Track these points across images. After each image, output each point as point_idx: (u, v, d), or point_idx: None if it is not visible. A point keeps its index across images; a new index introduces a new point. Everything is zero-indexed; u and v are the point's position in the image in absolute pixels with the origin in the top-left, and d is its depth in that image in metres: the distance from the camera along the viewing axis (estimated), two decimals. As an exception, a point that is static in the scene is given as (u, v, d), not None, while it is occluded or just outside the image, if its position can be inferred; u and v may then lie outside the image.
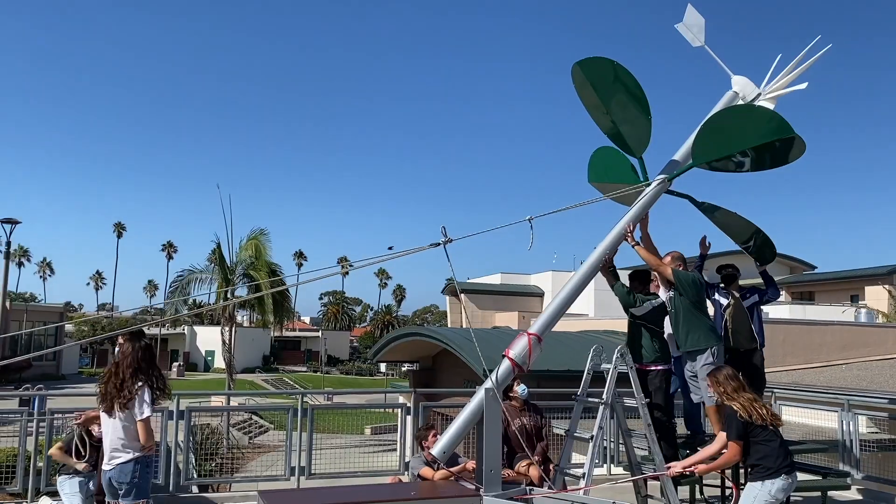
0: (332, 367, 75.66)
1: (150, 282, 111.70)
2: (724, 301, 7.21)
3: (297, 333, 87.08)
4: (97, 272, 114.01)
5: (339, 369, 75.88)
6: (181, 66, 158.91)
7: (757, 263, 7.44)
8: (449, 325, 48.28)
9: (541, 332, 5.59)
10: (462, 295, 45.50)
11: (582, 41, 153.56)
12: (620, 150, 6.61)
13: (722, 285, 7.33)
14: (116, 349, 5.50)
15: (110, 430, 5.21)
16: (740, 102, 6.69)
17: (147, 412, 5.13)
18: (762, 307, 7.47)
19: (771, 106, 6.55)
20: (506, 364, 5.52)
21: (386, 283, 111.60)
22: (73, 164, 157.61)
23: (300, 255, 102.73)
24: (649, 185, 6.23)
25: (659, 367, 6.77)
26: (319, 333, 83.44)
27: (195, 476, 9.87)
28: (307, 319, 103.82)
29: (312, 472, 8.29)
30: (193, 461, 12.97)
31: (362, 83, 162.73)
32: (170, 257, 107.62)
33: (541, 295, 45.44)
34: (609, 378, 6.24)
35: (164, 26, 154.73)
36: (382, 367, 63.28)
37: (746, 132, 5.82)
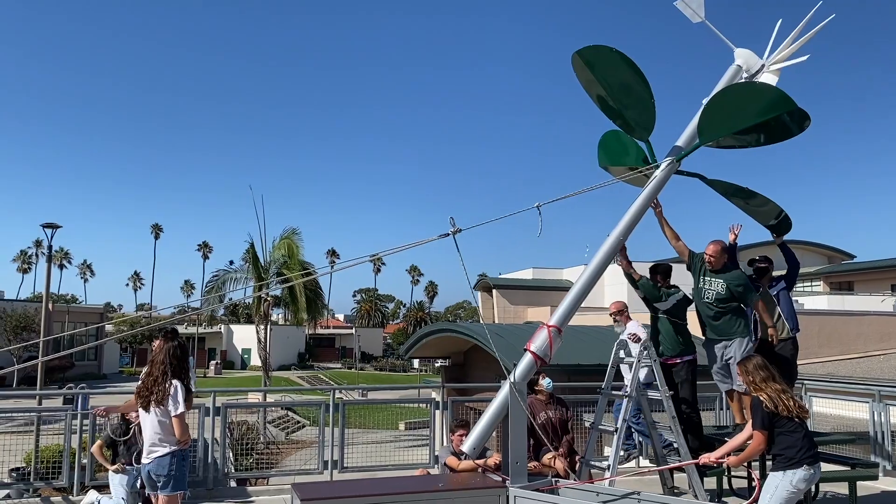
0: (365, 363, 76.27)
1: (186, 282, 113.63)
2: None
3: (332, 331, 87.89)
4: (135, 273, 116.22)
5: (372, 366, 76.46)
6: (217, 72, 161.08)
7: (774, 235, 7.39)
8: (482, 321, 48.33)
9: (560, 323, 5.64)
10: (494, 291, 45.54)
11: (583, 24, 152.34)
12: (627, 134, 6.62)
13: (756, 278, 7.36)
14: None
15: (148, 425, 5.48)
16: (744, 75, 6.65)
17: (182, 408, 5.39)
18: (791, 290, 7.45)
19: (775, 77, 6.51)
20: (528, 358, 5.60)
21: (418, 280, 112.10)
22: (112, 168, 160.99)
23: (332, 254, 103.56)
24: (658, 166, 6.20)
25: (684, 359, 6.81)
26: (353, 330, 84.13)
27: (233, 470, 10.14)
28: (341, 317, 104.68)
29: (345, 465, 8.48)
30: (231, 457, 13.30)
31: (392, 87, 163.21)
32: (205, 257, 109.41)
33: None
34: (633, 371, 6.31)
35: (196, 29, 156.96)
36: (416, 363, 63.64)
37: (748, 109, 5.79)
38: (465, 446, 5.57)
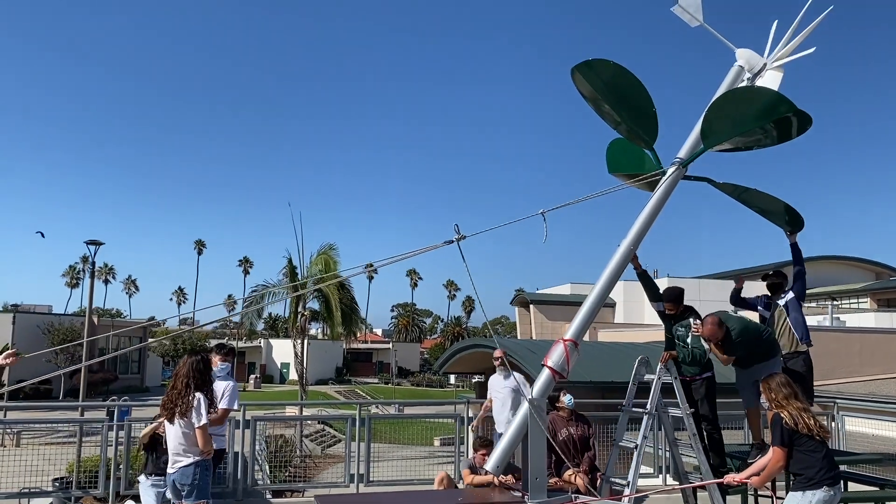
0: (402, 378, 76.43)
1: (229, 296, 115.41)
2: (766, 312, 7.21)
3: (369, 345, 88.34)
4: (179, 288, 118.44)
5: (409, 381, 76.59)
6: (259, 91, 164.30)
7: (787, 232, 7.26)
8: (518, 337, 48.14)
9: (576, 337, 5.68)
10: (532, 306, 45.35)
11: (583, 32, 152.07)
12: (632, 143, 6.63)
13: (768, 294, 7.30)
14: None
15: (172, 436, 5.69)
16: (747, 75, 6.61)
17: (204, 419, 5.59)
18: (803, 299, 7.34)
19: (779, 74, 6.46)
20: (546, 373, 5.65)
21: (455, 295, 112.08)
22: (158, 186, 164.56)
23: (371, 269, 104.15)
24: (665, 172, 6.18)
25: (702, 376, 6.79)
26: (390, 345, 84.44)
27: (268, 482, 10.34)
28: (379, 331, 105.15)
29: (371, 479, 8.60)
30: (267, 470, 13.52)
31: (422, 107, 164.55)
32: (246, 272, 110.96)
33: (612, 305, 44.77)
34: (653, 388, 6.32)
35: (238, 49, 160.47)
36: (452, 378, 63.55)
37: (747, 113, 5.77)
38: (489, 464, 5.60)
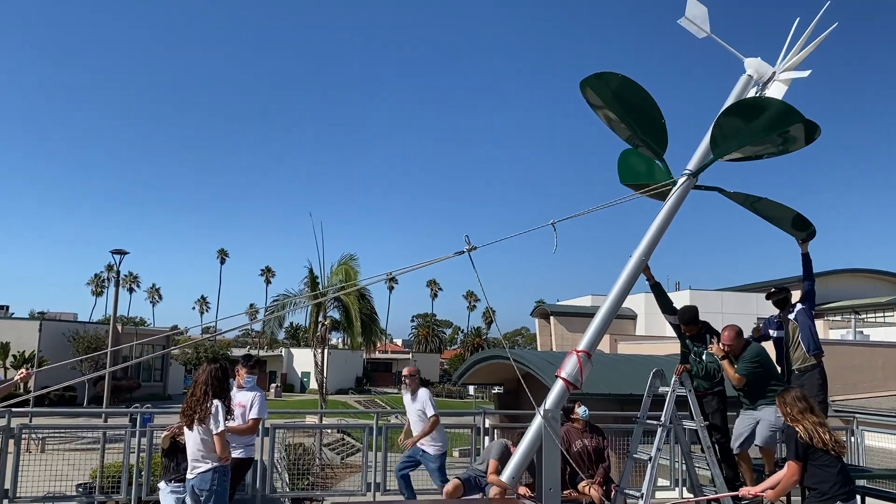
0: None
1: (251, 305, 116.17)
2: (778, 333, 7.20)
3: (389, 355, 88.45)
4: (202, 297, 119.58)
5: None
6: (280, 103, 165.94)
7: (799, 242, 7.21)
8: (539, 348, 48.00)
9: (589, 348, 5.71)
10: (552, 318, 45.23)
11: (591, 47, 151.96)
12: (642, 154, 6.66)
13: (778, 313, 7.30)
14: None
15: (191, 443, 5.82)
16: (756, 84, 6.62)
17: (222, 426, 5.71)
18: (810, 310, 7.28)
19: (784, 86, 6.46)
20: (559, 384, 5.68)
21: (474, 306, 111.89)
22: (181, 196, 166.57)
23: (392, 279, 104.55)
24: (675, 182, 6.18)
25: (714, 390, 6.81)
26: (410, 355, 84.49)
27: (287, 490, 10.46)
28: (399, 342, 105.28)
29: (388, 488, 8.67)
30: (287, 478, 13.65)
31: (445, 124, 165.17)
32: (268, 282, 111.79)
33: (633, 317, 44.49)
34: (667, 401, 6.35)
35: (258, 62, 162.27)
36: (471, 389, 63.42)
37: (755, 123, 5.78)
38: (504, 475, 5.65)
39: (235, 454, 6.82)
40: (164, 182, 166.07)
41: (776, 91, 6.50)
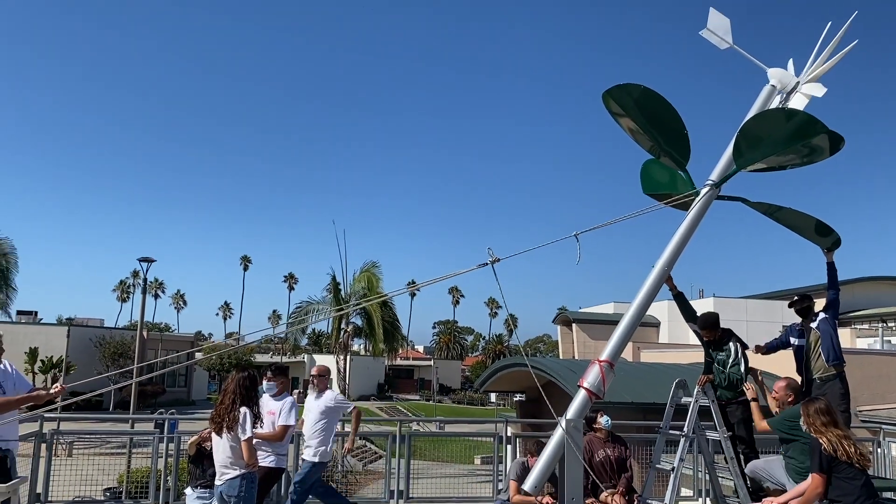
0: (443, 395, 76.37)
1: (273, 311, 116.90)
2: (799, 341, 7.16)
3: (411, 362, 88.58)
4: (225, 303, 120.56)
5: (450, 398, 76.51)
6: (303, 111, 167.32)
7: (825, 251, 7.15)
8: (560, 355, 47.78)
9: (611, 358, 5.72)
10: (574, 325, 45.02)
11: (614, 58, 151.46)
12: (665, 165, 6.65)
13: (801, 321, 7.25)
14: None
15: (219, 449, 5.92)
16: (780, 95, 6.58)
17: (249, 433, 5.82)
18: (833, 319, 7.19)
19: (806, 99, 6.42)
20: (581, 394, 5.70)
21: (496, 313, 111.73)
22: (205, 203, 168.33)
23: (412, 285, 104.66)
24: (698, 193, 6.16)
25: (738, 399, 6.78)
26: (431, 362, 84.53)
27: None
28: (421, 348, 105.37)
29: (411, 496, 8.73)
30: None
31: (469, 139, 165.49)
32: (291, 288, 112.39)
33: (657, 325, 44.15)
34: (690, 411, 6.34)
35: (281, 71, 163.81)
36: (493, 397, 63.27)
37: (779, 135, 5.75)
38: (527, 485, 5.68)
39: (265, 462, 6.92)
40: (188, 189, 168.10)
41: (799, 101, 6.47)
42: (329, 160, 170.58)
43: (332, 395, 7.79)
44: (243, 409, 5.88)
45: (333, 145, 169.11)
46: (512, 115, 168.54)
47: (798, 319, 7.39)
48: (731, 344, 6.95)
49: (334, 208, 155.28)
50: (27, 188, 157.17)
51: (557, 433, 5.67)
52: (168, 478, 8.90)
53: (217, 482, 5.95)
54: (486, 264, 5.30)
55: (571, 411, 5.68)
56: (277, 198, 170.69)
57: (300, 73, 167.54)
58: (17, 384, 5.91)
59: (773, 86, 6.65)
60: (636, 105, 6.03)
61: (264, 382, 7.26)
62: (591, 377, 5.70)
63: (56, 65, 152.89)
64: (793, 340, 7.33)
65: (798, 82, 6.57)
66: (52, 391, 5.74)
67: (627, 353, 39.12)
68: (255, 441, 6.70)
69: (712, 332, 7.05)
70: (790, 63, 6.83)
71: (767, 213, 6.57)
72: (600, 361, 5.70)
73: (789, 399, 6.35)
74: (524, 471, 6.88)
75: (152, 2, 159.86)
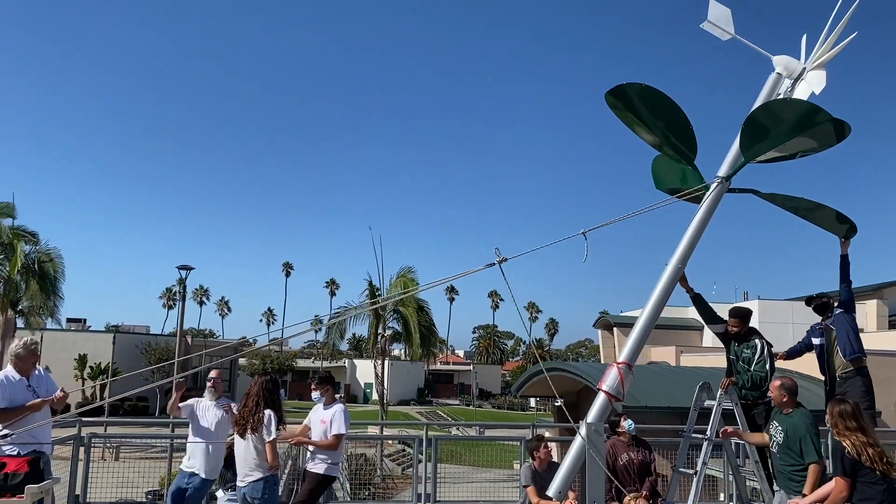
0: (483, 400, 76.32)
1: (315, 317, 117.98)
2: (821, 340, 7.04)
3: (450, 367, 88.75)
4: (269, 309, 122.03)
5: (490, 403, 76.41)
6: (342, 120, 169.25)
7: (841, 240, 7.00)
8: (602, 360, 47.38)
9: (629, 359, 5.70)
10: (615, 329, 44.63)
11: (616, 57, 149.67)
12: (673, 161, 6.59)
13: (821, 321, 7.14)
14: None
15: (242, 451, 6.06)
16: (787, 82, 6.47)
17: (273, 435, 5.95)
18: (849, 313, 7.07)
19: (822, 73, 6.27)
20: (601, 397, 5.71)
21: (536, 317, 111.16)
22: (248, 211, 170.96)
23: (452, 290, 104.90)
24: (708, 187, 6.08)
25: (764, 400, 6.68)
26: (471, 367, 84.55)
27: (348, 500, 10.71)
28: (461, 353, 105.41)
29: (438, 499, 8.79)
30: (348, 487, 13.95)
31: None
32: (333, 294, 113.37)
33: (699, 328, 43.47)
34: (713, 414, 6.29)
35: (316, 79, 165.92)
36: (532, 401, 62.99)
37: (783, 126, 5.66)
38: (551, 490, 5.70)
39: (319, 469, 6.97)
40: (231, 197, 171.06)
41: (805, 90, 6.34)
42: (367, 166, 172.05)
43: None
44: (268, 412, 6.02)
45: (370, 152, 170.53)
46: (539, 123, 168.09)
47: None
48: (756, 341, 6.83)
49: (372, 213, 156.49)
50: (78, 198, 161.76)
51: (578, 437, 5.68)
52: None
53: (240, 484, 6.09)
54: (494, 264, 5.33)
55: (592, 415, 5.68)
56: (318, 203, 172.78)
57: (335, 82, 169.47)
58: (49, 389, 6.16)
59: (778, 73, 6.51)
60: (639, 104, 6.00)
61: (313, 393, 7.33)
62: (609, 380, 5.70)
63: (103, 73, 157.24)
64: (814, 340, 7.23)
65: (804, 69, 6.43)
66: (55, 398, 6.00)
67: (669, 357, 38.64)
68: (310, 448, 6.94)
69: (741, 323, 6.94)
70: (803, 40, 6.70)
71: (781, 203, 6.47)
72: (618, 363, 5.70)
73: (784, 399, 6.18)
74: (534, 474, 6.90)
75: (195, 10, 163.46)
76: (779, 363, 7.13)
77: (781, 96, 6.49)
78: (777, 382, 6.26)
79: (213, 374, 7.54)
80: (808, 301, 7.28)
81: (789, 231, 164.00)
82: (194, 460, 7.03)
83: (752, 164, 6.08)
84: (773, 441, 6.11)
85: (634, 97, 5.97)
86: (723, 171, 6.11)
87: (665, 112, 5.98)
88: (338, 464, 7.35)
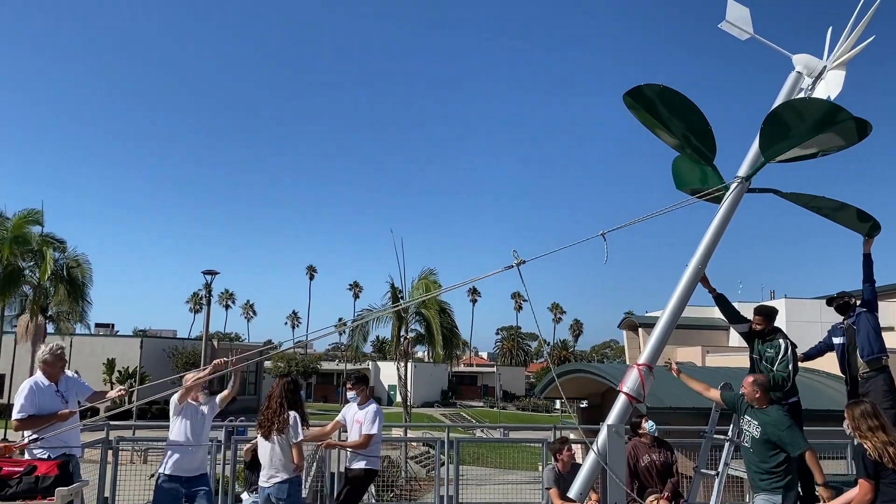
0: (507, 402, 76.18)
1: (339, 319, 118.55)
2: (842, 339, 6.97)
3: (474, 368, 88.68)
4: (293, 312, 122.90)
5: (514, 405, 76.26)
6: (369, 128, 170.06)
7: (865, 237, 6.92)
8: (627, 361, 47.03)
9: (650, 361, 5.72)
10: (640, 330, 44.34)
11: (636, 59, 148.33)
12: (693, 161, 6.55)
13: (842, 320, 7.06)
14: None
15: (268, 452, 6.13)
16: (807, 80, 6.41)
17: (301, 436, 6.04)
18: (872, 313, 6.97)
19: (842, 72, 6.20)
20: (622, 399, 5.72)
21: (560, 318, 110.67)
22: (272, 216, 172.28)
23: (474, 292, 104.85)
24: (728, 188, 6.08)
25: (788, 401, 6.63)
26: (494, 369, 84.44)
27: (373, 502, 10.79)
28: (484, 355, 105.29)
29: (460, 501, 8.82)
30: (373, 489, 14.03)
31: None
32: (356, 296, 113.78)
33: (725, 328, 42.99)
34: (734, 416, 6.25)
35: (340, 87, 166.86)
36: (557, 403, 62.70)
37: (803, 126, 5.62)
38: (572, 492, 5.72)
39: (360, 465, 7.21)
40: (256, 202, 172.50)
41: (833, 82, 6.27)
42: (390, 170, 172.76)
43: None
44: (293, 414, 6.11)
45: (397, 157, 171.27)
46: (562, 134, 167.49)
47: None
48: (780, 340, 6.77)
49: (395, 216, 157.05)
50: (105, 203, 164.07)
51: (600, 439, 5.70)
52: (234, 483, 9.23)
53: (265, 485, 6.16)
54: (512, 266, 5.39)
55: (613, 416, 5.71)
56: (340, 207, 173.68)
57: (363, 88, 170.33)
58: (80, 392, 6.31)
59: (798, 72, 6.48)
60: (658, 104, 6.01)
61: (348, 393, 7.51)
62: (630, 381, 5.73)
63: (132, 77, 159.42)
64: (835, 340, 7.16)
65: (825, 67, 6.38)
66: (113, 394, 6.17)
67: (695, 357, 38.28)
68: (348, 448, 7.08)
69: (765, 321, 6.88)
70: (828, 34, 6.63)
71: (803, 202, 6.44)
72: (639, 365, 5.73)
73: (757, 395, 6.10)
74: (558, 476, 6.91)
75: (238, 9, 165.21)
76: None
77: (802, 95, 6.46)
78: (750, 379, 6.23)
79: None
80: (829, 301, 7.22)
81: (817, 229, 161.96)
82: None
83: (772, 164, 6.06)
84: (747, 435, 6.08)
85: (654, 98, 5.97)
86: (742, 171, 6.08)
87: (684, 113, 5.98)
88: (378, 457, 7.53)
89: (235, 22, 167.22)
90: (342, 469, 9.16)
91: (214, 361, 6.57)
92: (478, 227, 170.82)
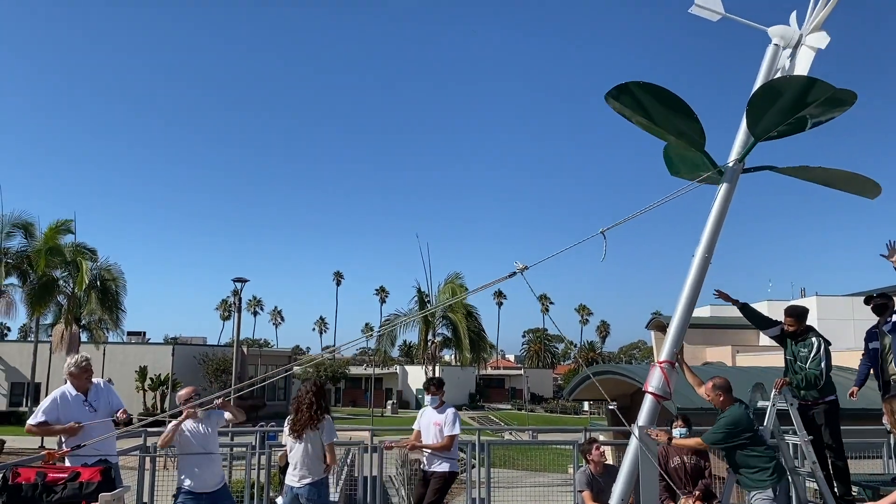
0: (535, 404, 75.93)
1: (366, 324, 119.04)
2: (875, 343, 6.89)
3: (501, 371, 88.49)
4: (321, 318, 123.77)
5: (543, 407, 76.00)
6: (396, 133, 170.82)
7: (870, 196, 6.66)
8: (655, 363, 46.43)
9: (671, 357, 5.72)
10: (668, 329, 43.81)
11: (623, 57, 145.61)
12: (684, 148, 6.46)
13: (877, 321, 6.98)
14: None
15: (299, 453, 6.26)
16: (786, 52, 6.29)
17: (334, 437, 6.19)
18: None
19: (823, 37, 6.10)
20: (649, 399, 5.73)
21: (587, 320, 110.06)
22: (300, 223, 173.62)
23: (499, 295, 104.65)
24: (722, 171, 6.02)
25: (825, 399, 6.56)
26: (522, 371, 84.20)
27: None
28: (511, 357, 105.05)
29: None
30: (403, 493, 14.12)
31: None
32: (383, 301, 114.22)
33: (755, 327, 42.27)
34: (767, 415, 6.23)
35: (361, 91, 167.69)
36: (585, 405, 62.42)
37: (786, 103, 5.51)
38: (613, 499, 5.74)
39: (442, 468, 7.39)
40: (283, 210, 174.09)
41: (807, 56, 6.18)
42: (413, 174, 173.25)
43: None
44: (326, 417, 6.25)
45: (421, 163, 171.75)
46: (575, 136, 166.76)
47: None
48: (813, 339, 6.69)
49: (420, 221, 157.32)
50: (136, 213, 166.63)
51: (633, 441, 5.71)
52: (263, 488, 9.35)
53: (295, 484, 6.27)
54: (515, 274, 5.45)
55: (642, 418, 5.71)
56: (367, 212, 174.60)
57: (387, 96, 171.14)
58: (112, 401, 6.46)
59: (776, 45, 6.34)
60: (639, 101, 5.95)
61: (427, 397, 7.75)
62: (654, 380, 5.72)
63: (161, 84, 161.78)
64: (870, 345, 7.06)
65: (801, 35, 6.24)
66: (117, 416, 6.30)
67: (725, 357, 37.85)
68: (426, 451, 7.38)
69: (797, 322, 6.82)
70: (793, 16, 6.53)
71: (800, 175, 6.34)
72: (660, 363, 5.73)
73: (720, 398, 6.05)
74: (591, 478, 6.92)
75: (260, 20, 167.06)
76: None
77: (781, 66, 6.35)
78: (709, 384, 6.17)
79: (182, 393, 7.05)
80: (868, 300, 7.13)
81: (848, 224, 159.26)
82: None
83: (763, 143, 6.02)
84: None
85: (633, 95, 5.91)
86: (734, 153, 6.05)
87: (667, 104, 5.91)
88: (457, 460, 7.71)
89: (267, 32, 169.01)
90: (374, 473, 9.27)
91: (187, 411, 6.52)
92: (504, 229, 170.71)
